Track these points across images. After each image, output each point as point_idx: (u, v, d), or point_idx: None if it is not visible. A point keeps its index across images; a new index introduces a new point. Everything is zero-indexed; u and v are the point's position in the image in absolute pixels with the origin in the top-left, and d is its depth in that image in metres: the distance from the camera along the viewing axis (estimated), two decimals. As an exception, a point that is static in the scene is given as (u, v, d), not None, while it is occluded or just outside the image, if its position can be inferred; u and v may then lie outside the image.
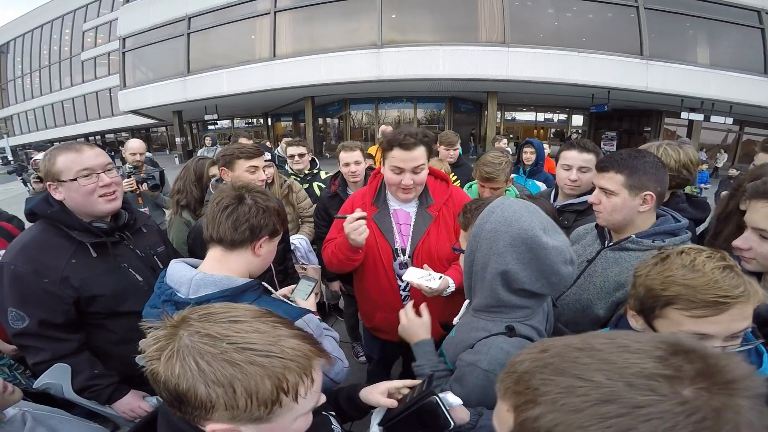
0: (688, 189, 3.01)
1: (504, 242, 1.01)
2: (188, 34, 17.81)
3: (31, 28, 32.96)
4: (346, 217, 1.60)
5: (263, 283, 1.21)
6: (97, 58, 28.86)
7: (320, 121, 22.57)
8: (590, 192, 1.91)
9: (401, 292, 1.80)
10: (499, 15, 14.05)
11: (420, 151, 1.59)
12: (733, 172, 6.49)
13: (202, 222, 1.67)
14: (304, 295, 1.45)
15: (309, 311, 1.21)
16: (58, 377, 1.43)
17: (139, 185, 3.08)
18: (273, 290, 1.25)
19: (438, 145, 3.66)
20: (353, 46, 14.93)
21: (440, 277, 1.52)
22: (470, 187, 2.45)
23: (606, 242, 1.46)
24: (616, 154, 1.39)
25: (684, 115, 14.79)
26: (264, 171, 2.57)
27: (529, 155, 3.52)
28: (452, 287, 1.57)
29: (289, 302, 1.28)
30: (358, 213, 1.58)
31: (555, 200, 2.11)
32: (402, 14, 15.06)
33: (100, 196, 1.45)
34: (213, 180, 2.13)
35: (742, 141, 19.25)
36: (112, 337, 1.54)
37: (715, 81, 14.02)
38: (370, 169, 2.88)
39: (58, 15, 30.74)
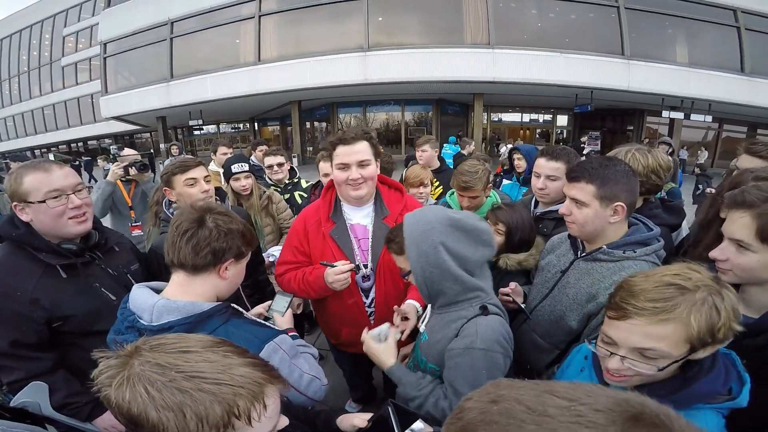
0: (667, 186, 3.01)
1: (436, 233, 1.17)
2: (171, 38, 17.52)
3: (10, 33, 32.19)
4: (332, 266, 1.61)
5: (233, 305, 1.19)
6: (78, 64, 28.39)
7: (307, 125, 22.47)
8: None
9: (366, 309, 1.78)
10: (484, 17, 14.15)
11: (362, 146, 1.62)
12: (697, 170, 6.75)
13: (157, 244, 1.63)
14: (281, 310, 1.44)
15: (281, 332, 1.18)
16: (34, 395, 1.41)
17: (128, 169, 2.99)
18: (244, 311, 1.22)
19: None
20: (340, 49, 14.84)
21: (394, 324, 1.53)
22: (451, 195, 2.42)
23: (579, 252, 1.45)
24: (587, 163, 1.36)
25: (665, 113, 15.07)
26: (242, 181, 2.59)
27: (518, 162, 3.34)
28: (419, 309, 1.59)
29: (262, 322, 1.25)
30: (347, 266, 1.61)
31: (535, 208, 2.10)
32: (388, 17, 15.04)
33: (70, 218, 1.42)
34: (164, 201, 2.06)
35: (722, 138, 19.76)
36: (87, 356, 1.47)
37: (694, 80, 14.32)
38: None
39: (37, 20, 30.10)
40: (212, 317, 1.09)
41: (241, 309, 1.22)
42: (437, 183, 3.54)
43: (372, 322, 1.76)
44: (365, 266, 1.72)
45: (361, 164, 1.62)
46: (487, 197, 2.32)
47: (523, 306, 1.58)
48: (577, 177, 1.34)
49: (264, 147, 4.71)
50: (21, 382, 1.39)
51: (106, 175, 3.03)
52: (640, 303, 0.85)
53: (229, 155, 3.62)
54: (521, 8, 14.86)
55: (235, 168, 2.59)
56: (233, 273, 1.17)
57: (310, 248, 1.78)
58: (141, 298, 1.09)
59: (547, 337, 1.49)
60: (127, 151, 3.40)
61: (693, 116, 14.86)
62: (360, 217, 1.76)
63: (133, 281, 1.64)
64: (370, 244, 1.71)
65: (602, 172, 1.30)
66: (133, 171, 3.00)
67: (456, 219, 1.20)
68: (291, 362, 1.16)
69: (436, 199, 3.16)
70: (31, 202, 1.35)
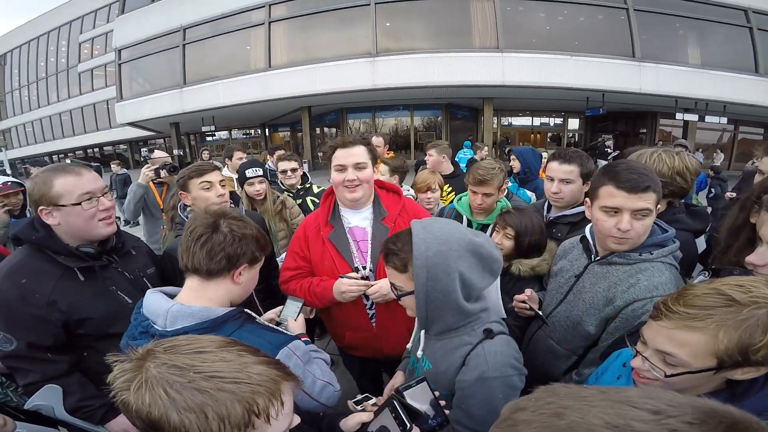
0: (694, 200, 2.97)
1: (453, 258, 1.06)
2: (183, 45, 17.81)
3: (28, 40, 32.91)
4: (349, 277, 1.65)
5: (246, 310, 1.19)
6: (93, 70, 28.80)
7: (317, 130, 22.60)
8: (581, 203, 1.89)
9: (367, 311, 1.79)
10: (492, 21, 14.12)
11: (359, 149, 1.68)
12: (711, 173, 6.52)
13: (171, 247, 1.64)
14: (293, 315, 1.44)
15: (294, 338, 1.18)
16: (49, 398, 1.43)
17: (158, 172, 3.05)
18: (257, 316, 1.22)
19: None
20: (348, 55, 14.95)
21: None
22: (460, 200, 2.39)
23: (593, 256, 1.43)
24: (643, 169, 1.27)
25: (678, 116, 14.85)
26: (256, 185, 2.63)
27: (513, 162, 3.51)
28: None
29: (275, 328, 1.25)
30: (362, 282, 1.65)
31: (548, 212, 2.08)
32: (396, 22, 15.10)
33: (100, 220, 1.46)
34: (179, 205, 2.10)
35: (738, 140, 19.34)
36: (103, 359, 1.51)
37: (707, 81, 14.11)
38: None
39: (54, 26, 30.71)
40: (227, 322, 1.09)
41: (254, 314, 1.22)
42: (449, 188, 3.52)
43: (373, 324, 1.78)
44: (364, 267, 1.74)
45: (358, 166, 1.67)
46: (499, 201, 2.31)
47: (540, 313, 1.56)
48: (648, 187, 1.23)
49: (282, 152, 4.72)
50: (36, 384, 1.41)
51: (117, 180, 3.10)
52: (675, 306, 0.82)
53: (245, 159, 3.67)
54: (529, 11, 14.78)
55: (249, 173, 2.63)
56: (247, 278, 1.18)
57: (310, 254, 1.80)
58: (155, 303, 1.09)
59: (564, 343, 1.48)
60: (157, 153, 3.47)
61: (707, 118, 14.63)
62: (358, 220, 1.78)
63: (149, 285, 1.66)
64: (369, 245, 1.73)
65: (656, 177, 1.27)
66: (163, 173, 3.06)
67: (477, 243, 1.10)
68: (305, 368, 1.16)
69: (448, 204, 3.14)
70: (62, 206, 1.37)
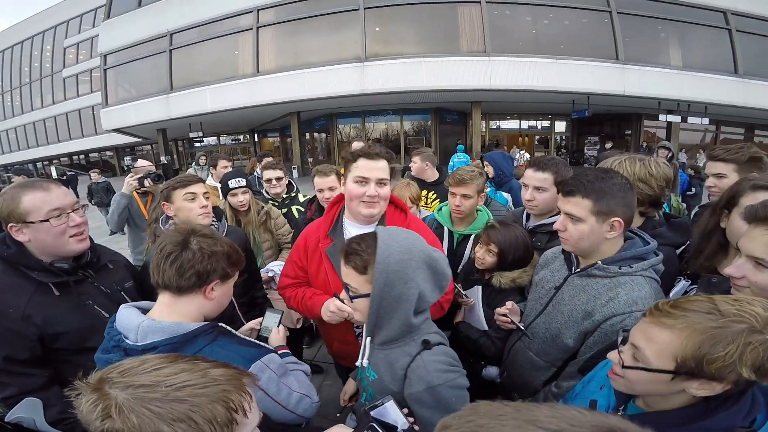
0: (674, 202, 3.00)
1: (412, 268, 1.10)
2: (170, 50, 17.62)
3: (12, 44, 32.32)
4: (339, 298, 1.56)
5: (221, 324, 1.21)
6: (79, 75, 28.42)
7: (307, 136, 22.51)
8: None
9: (354, 328, 1.77)
10: (479, 25, 14.25)
11: (384, 164, 1.61)
12: (690, 172, 6.53)
13: (149, 260, 1.64)
14: (273, 326, 1.46)
15: (269, 351, 1.21)
16: (29, 411, 1.40)
17: (142, 182, 2.99)
18: (233, 330, 1.24)
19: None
20: (337, 60, 14.93)
21: None
22: (440, 210, 2.39)
23: (573, 268, 1.42)
24: (582, 176, 1.30)
25: (662, 117, 15.17)
26: (239, 196, 2.60)
27: (486, 168, 3.63)
28: None
29: (252, 341, 1.26)
30: (346, 309, 1.51)
31: (527, 221, 2.08)
32: (385, 27, 15.15)
33: (71, 237, 1.43)
34: (161, 218, 2.07)
35: (720, 140, 19.76)
36: (81, 372, 1.50)
37: (688, 82, 14.42)
38: None
39: (38, 31, 30.24)
40: (198, 337, 1.11)
41: (229, 328, 1.24)
42: (434, 195, 3.54)
43: (360, 340, 1.73)
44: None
45: (381, 182, 1.59)
46: (478, 207, 2.31)
47: (521, 326, 1.55)
48: (571, 191, 1.28)
49: (270, 158, 4.72)
50: (15, 397, 1.39)
51: (98, 189, 3.04)
52: (663, 306, 0.83)
53: (229, 168, 3.63)
54: (516, 15, 14.97)
55: (232, 183, 2.59)
56: (220, 293, 1.20)
57: (307, 265, 1.77)
58: (127, 318, 1.12)
59: (543, 354, 1.47)
60: (141, 162, 3.41)
61: (690, 119, 14.95)
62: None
63: (127, 298, 1.65)
64: None
65: (598, 185, 1.25)
66: (148, 182, 3.00)
67: (434, 258, 1.15)
68: (279, 381, 1.18)
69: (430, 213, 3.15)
70: (31, 222, 1.35)
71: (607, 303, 1.26)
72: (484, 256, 1.86)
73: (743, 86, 14.62)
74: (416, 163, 3.63)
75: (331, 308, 1.53)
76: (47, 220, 1.36)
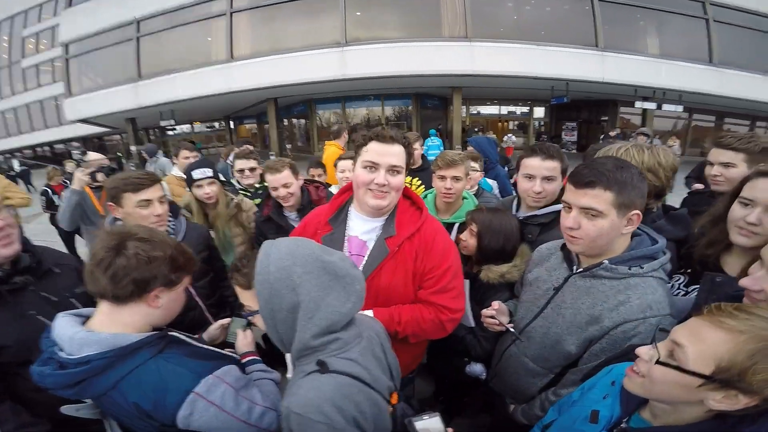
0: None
1: (297, 273, 0.92)
2: (138, 37, 16.82)
3: (-36, 36, 30.50)
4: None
5: (173, 333, 1.15)
6: (39, 66, 27.36)
7: (285, 122, 22.02)
8: (556, 202, 1.77)
9: None
10: (461, 10, 14.07)
11: (398, 149, 1.38)
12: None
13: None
14: (240, 331, 1.38)
15: (225, 363, 1.13)
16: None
17: (95, 176, 2.76)
18: (188, 337, 1.17)
19: None
20: (316, 45, 14.52)
21: None
22: (425, 197, 2.27)
23: (574, 267, 1.28)
24: (599, 164, 1.13)
25: (638, 104, 15.37)
26: (205, 188, 2.35)
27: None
28: None
29: (209, 350, 1.18)
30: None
31: (517, 211, 1.94)
32: (366, 11, 14.80)
33: None
34: (108, 218, 1.86)
35: (692, 127, 20.32)
36: (32, 385, 1.36)
37: (665, 70, 14.63)
38: (310, 181, 2.69)
39: (-6, 21, 28.71)
40: (140, 350, 1.03)
41: (183, 336, 1.17)
42: (419, 182, 3.41)
43: None
44: None
45: (393, 169, 1.38)
46: (464, 195, 2.22)
47: (511, 328, 1.42)
48: (591, 182, 1.11)
49: (247, 146, 4.42)
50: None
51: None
52: (727, 307, 0.76)
53: (192, 159, 3.36)
54: (498, 1, 14.85)
55: (196, 174, 2.34)
56: (168, 300, 1.09)
57: None
58: (61, 328, 1.03)
59: (540, 360, 1.35)
60: (91, 155, 3.14)
61: (664, 106, 15.21)
62: (363, 231, 1.50)
63: (78, 305, 1.48)
64: (363, 263, 1.46)
65: (620, 175, 1.10)
66: (100, 176, 2.76)
67: (328, 261, 0.96)
68: (237, 395, 1.09)
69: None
70: None
71: (616, 307, 1.13)
72: (466, 237, 1.78)
73: (718, 75, 14.91)
74: (417, 150, 3.47)
75: None
76: None
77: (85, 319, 1.09)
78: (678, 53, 14.90)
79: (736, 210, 1.21)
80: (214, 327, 1.45)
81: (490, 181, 3.36)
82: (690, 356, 0.75)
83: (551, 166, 1.72)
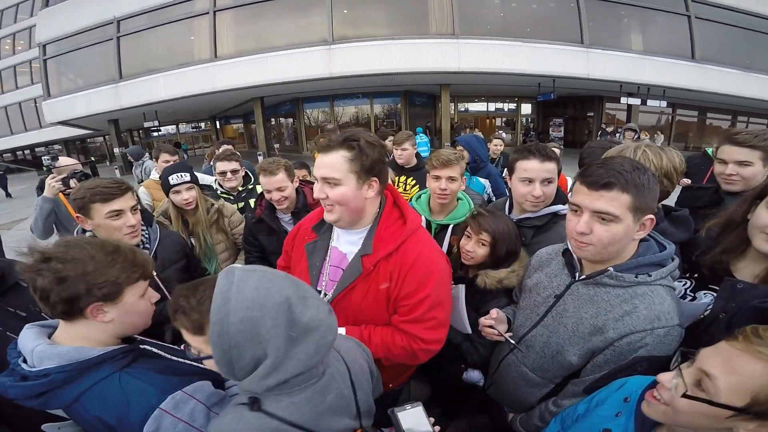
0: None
1: (266, 327, 0.78)
2: (118, 37, 16.43)
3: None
4: None
5: (145, 345, 1.11)
6: (17, 67, 26.73)
7: (273, 121, 21.78)
8: (552, 204, 1.71)
9: None
10: (448, 7, 14.06)
11: (333, 158, 1.23)
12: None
13: None
14: None
15: (197, 378, 1.08)
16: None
17: (67, 182, 2.60)
18: (162, 350, 1.13)
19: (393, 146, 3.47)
20: (303, 43, 14.37)
21: None
22: (419, 198, 2.19)
23: (576, 274, 1.21)
24: (617, 164, 1.04)
25: (623, 100, 15.56)
26: (183, 194, 2.24)
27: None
28: None
29: (183, 363, 1.13)
30: None
31: (510, 212, 1.87)
32: (353, 9, 14.68)
33: None
34: (76, 229, 1.76)
35: (675, 122, 20.68)
36: (9, 401, 1.26)
37: (649, 67, 14.81)
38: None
39: (-31, 22, 27.85)
40: (103, 364, 1.00)
41: (157, 350, 1.13)
42: (413, 182, 3.33)
43: None
44: (325, 295, 1.42)
45: (327, 182, 1.24)
46: (459, 195, 2.14)
47: (509, 338, 1.35)
48: (608, 184, 1.02)
49: (229, 146, 4.27)
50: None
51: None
52: (763, 332, 0.70)
53: (173, 163, 3.22)
54: (484, -2, 14.88)
55: (173, 179, 2.22)
56: (120, 313, 1.04)
57: (292, 253, 1.60)
58: (24, 339, 1.02)
59: (539, 371, 1.28)
60: (63, 160, 2.96)
61: (649, 102, 15.44)
62: (346, 243, 1.40)
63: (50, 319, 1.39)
64: (339, 277, 1.37)
65: (637, 177, 1.02)
66: (73, 183, 2.60)
67: (301, 312, 0.82)
68: (210, 411, 1.05)
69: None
70: None
71: (622, 318, 1.07)
72: (474, 248, 1.65)
73: (700, 71, 15.16)
74: (408, 150, 3.37)
75: None
76: None
77: (53, 330, 1.07)
78: (661, 50, 15.11)
79: (764, 215, 1.11)
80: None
81: (482, 180, 3.27)
82: (722, 389, 0.69)
83: (550, 168, 1.66)
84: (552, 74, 14.41)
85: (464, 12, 14.09)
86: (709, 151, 2.78)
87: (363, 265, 1.30)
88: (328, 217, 1.30)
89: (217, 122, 25.09)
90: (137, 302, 1.08)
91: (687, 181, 3.70)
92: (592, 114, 20.76)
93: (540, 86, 15.43)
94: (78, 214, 1.63)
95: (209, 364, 1.03)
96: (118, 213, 1.62)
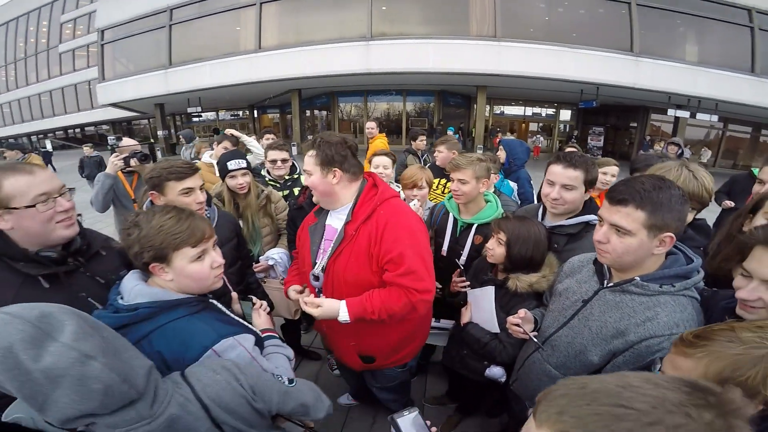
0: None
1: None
2: (170, 25, 17.24)
3: (7, 20, 31.99)
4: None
5: (213, 301, 1.30)
6: (75, 50, 28.24)
7: (307, 113, 22.23)
8: (583, 212, 1.78)
9: None
10: (490, 8, 13.89)
11: (308, 154, 1.61)
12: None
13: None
14: (249, 313, 1.54)
15: (247, 331, 1.27)
16: (25, 410, 1.32)
17: (128, 161, 2.85)
18: (225, 309, 1.32)
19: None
20: (341, 38, 14.62)
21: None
22: (450, 198, 2.30)
23: (605, 281, 1.29)
24: (638, 183, 1.12)
25: (671, 112, 14.91)
26: (239, 179, 2.43)
27: (499, 153, 3.56)
28: (343, 316, 1.53)
29: (237, 320, 1.32)
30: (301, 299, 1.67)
31: (543, 218, 1.94)
32: (392, 6, 14.77)
33: (58, 222, 1.29)
34: (145, 204, 1.93)
35: (725, 137, 19.55)
36: None
37: (703, 79, 14.07)
38: None
39: (35, 6, 29.91)
40: (179, 306, 1.17)
41: (222, 307, 1.31)
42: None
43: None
44: (315, 264, 1.72)
45: (306, 172, 1.61)
46: (488, 197, 2.24)
47: (533, 337, 1.45)
48: (624, 200, 1.11)
49: (271, 135, 4.52)
50: (8, 397, 1.29)
51: (91, 163, 2.87)
52: (687, 336, 0.85)
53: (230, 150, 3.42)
54: (529, 1, 14.58)
55: (231, 165, 2.40)
56: (176, 273, 1.19)
57: (300, 235, 1.88)
58: (127, 281, 1.20)
59: (563, 369, 1.37)
60: (126, 141, 3.24)
61: (699, 115, 14.69)
62: (336, 220, 1.70)
63: None
64: (331, 246, 1.65)
65: (655, 195, 1.08)
66: (134, 162, 2.85)
67: (18, 353, 0.75)
68: (252, 360, 1.21)
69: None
70: (14, 208, 1.21)
71: (643, 323, 1.14)
72: (493, 246, 1.78)
73: (759, 85, 14.24)
74: (443, 153, 3.50)
75: (291, 295, 1.80)
76: (34, 206, 1.22)
77: (147, 278, 1.26)
78: (718, 61, 14.29)
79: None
80: (235, 307, 1.56)
81: (512, 184, 3.39)
82: None
83: (572, 175, 1.72)
84: (597, 81, 13.99)
85: (507, 14, 13.88)
86: (756, 171, 2.71)
87: (346, 232, 1.60)
88: (318, 200, 1.68)
89: (255, 111, 25.81)
90: (187, 266, 1.19)
91: (730, 203, 3.60)
92: (635, 124, 19.96)
93: (582, 93, 15.01)
94: (152, 191, 1.82)
95: (256, 323, 1.41)
96: (190, 190, 1.80)
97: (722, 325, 0.85)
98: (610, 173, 3.09)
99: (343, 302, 1.52)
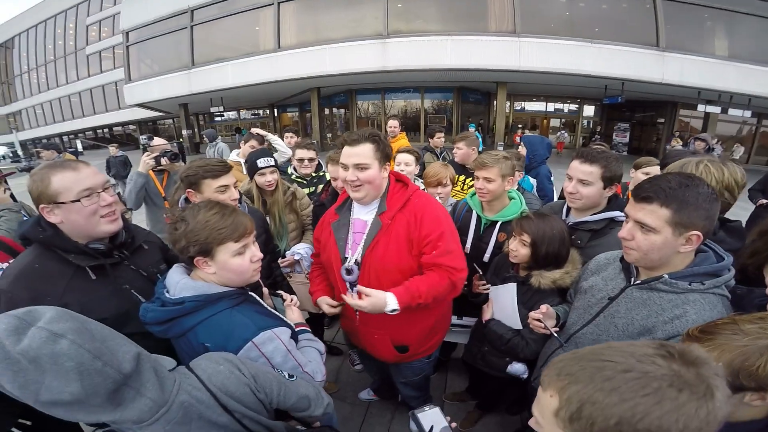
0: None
1: None
2: (191, 26, 17.61)
3: (36, 23, 33.02)
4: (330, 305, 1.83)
5: (252, 293, 1.35)
6: (101, 52, 28.91)
7: (326, 111, 22.39)
8: (606, 209, 1.79)
9: (355, 312, 1.80)
10: (509, 4, 13.64)
11: (362, 149, 1.60)
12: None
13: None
14: (281, 308, 1.59)
15: (284, 324, 1.32)
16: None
17: (160, 159, 2.95)
18: (261, 300, 1.38)
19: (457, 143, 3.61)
20: (358, 36, 14.66)
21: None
22: (473, 195, 2.30)
23: (632, 279, 1.28)
24: (663, 180, 1.11)
25: (701, 107, 14.34)
26: (267, 176, 2.52)
27: (520, 149, 3.57)
28: (392, 306, 1.52)
29: (274, 313, 1.38)
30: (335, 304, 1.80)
31: (567, 215, 1.94)
32: (408, 3, 14.68)
33: (102, 217, 1.37)
34: (180, 200, 1.99)
35: (759, 133, 18.69)
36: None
37: (733, 73, 13.45)
38: None
39: (61, 9, 30.73)
40: (221, 300, 1.23)
41: (260, 300, 1.37)
42: (471, 181, 3.42)
43: (357, 315, 1.80)
44: (345, 259, 1.73)
45: (358, 167, 1.60)
46: (511, 195, 2.23)
47: (555, 333, 1.46)
48: (648, 197, 1.11)
49: (292, 134, 4.67)
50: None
51: (117, 162, 2.96)
52: (693, 331, 0.89)
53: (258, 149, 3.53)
54: (549, -4, 14.27)
55: (261, 163, 2.50)
56: (219, 267, 1.25)
57: (320, 236, 1.92)
58: (171, 275, 1.28)
59: None
60: (157, 140, 3.36)
61: (731, 111, 14.10)
62: (364, 213, 1.75)
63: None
64: (364, 238, 1.69)
65: (681, 193, 1.07)
66: (164, 161, 2.96)
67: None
68: (288, 354, 1.26)
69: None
70: (62, 203, 1.30)
71: (671, 321, 1.14)
72: (517, 247, 1.79)
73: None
74: (462, 149, 3.52)
75: (325, 308, 1.82)
76: (78, 200, 1.30)
77: (191, 271, 1.33)
78: (749, 56, 13.58)
79: None
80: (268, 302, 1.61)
81: (531, 180, 3.42)
82: None
83: (587, 170, 1.72)
84: (622, 77, 13.56)
85: (526, 9, 13.59)
86: None
87: (382, 221, 1.65)
88: (356, 195, 1.66)
89: (275, 110, 26.19)
90: (230, 260, 1.24)
91: (765, 201, 3.50)
92: (662, 120, 19.28)
93: (607, 89, 14.59)
94: (189, 189, 1.91)
95: (290, 318, 1.47)
96: (225, 188, 1.89)
97: (725, 319, 0.88)
98: (653, 173, 3.00)
99: (390, 293, 1.53)
